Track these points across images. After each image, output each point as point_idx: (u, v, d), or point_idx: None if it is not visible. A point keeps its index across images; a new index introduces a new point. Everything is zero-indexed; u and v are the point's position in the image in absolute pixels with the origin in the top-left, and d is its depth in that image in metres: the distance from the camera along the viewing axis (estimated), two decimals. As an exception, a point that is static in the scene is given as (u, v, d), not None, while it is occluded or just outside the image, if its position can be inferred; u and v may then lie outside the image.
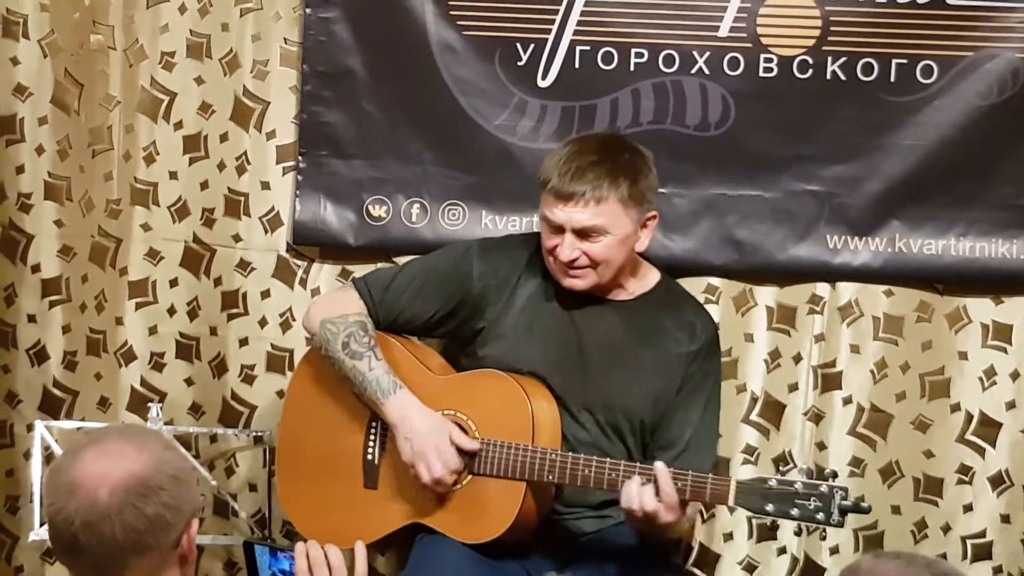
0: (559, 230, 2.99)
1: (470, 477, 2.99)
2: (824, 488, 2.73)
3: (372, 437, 3.11)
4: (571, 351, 3.07)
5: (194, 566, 2.11)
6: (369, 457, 3.11)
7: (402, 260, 3.46)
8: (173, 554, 2.05)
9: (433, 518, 3.02)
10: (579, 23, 3.48)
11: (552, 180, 2.97)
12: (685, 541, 3.04)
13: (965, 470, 3.53)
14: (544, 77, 3.50)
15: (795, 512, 2.74)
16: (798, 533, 2.85)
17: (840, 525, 2.76)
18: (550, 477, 2.92)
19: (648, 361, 3.07)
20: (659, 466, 2.79)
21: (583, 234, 2.97)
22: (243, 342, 3.64)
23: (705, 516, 3.54)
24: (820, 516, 2.73)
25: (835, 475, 2.79)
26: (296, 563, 2.33)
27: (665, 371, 3.06)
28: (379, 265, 3.56)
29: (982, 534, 3.54)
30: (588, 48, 3.49)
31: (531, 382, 3.03)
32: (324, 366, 3.14)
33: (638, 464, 2.84)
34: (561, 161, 2.99)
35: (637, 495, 2.77)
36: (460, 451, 2.99)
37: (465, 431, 3.00)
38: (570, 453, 2.95)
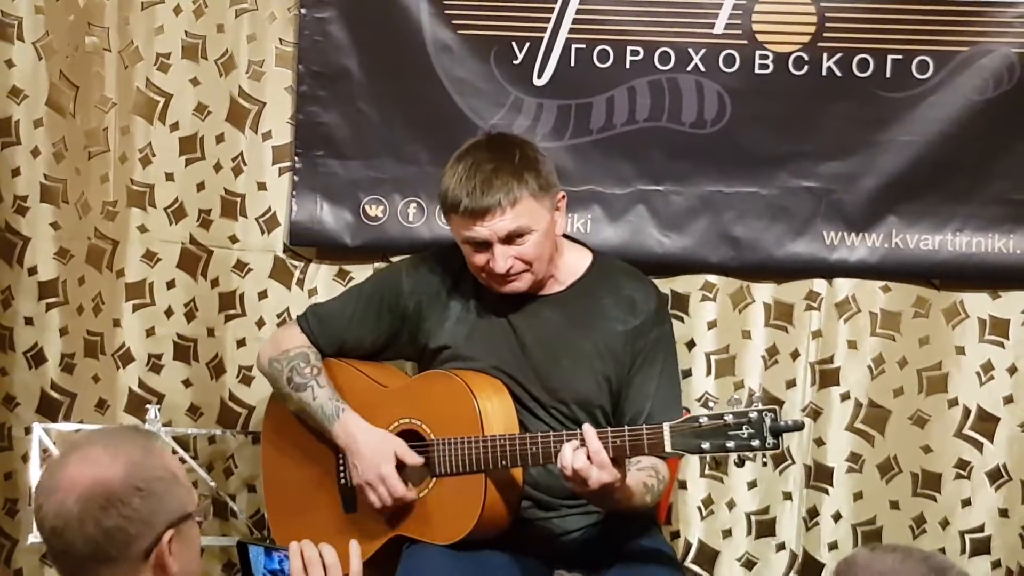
0: (484, 246, 2.97)
1: (434, 480, 2.98)
2: (753, 414, 2.68)
3: (341, 462, 3.11)
4: (514, 354, 3.05)
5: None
6: (343, 482, 3.11)
7: (398, 260, 3.46)
8: (144, 564, 2.00)
9: (410, 527, 3.01)
10: (574, 21, 3.47)
11: (462, 202, 2.93)
12: (642, 505, 2.96)
13: (963, 465, 3.53)
14: (540, 76, 3.50)
15: (731, 444, 2.69)
16: (740, 464, 2.80)
17: (776, 448, 2.70)
18: (503, 463, 2.90)
19: (591, 348, 3.04)
20: (586, 427, 2.79)
21: (509, 239, 2.95)
22: (241, 343, 3.64)
23: (704, 513, 3.55)
24: (755, 443, 2.68)
25: (762, 400, 2.72)
26: (291, 563, 2.32)
27: (611, 353, 3.04)
28: (376, 265, 3.56)
29: (980, 528, 3.54)
30: (584, 46, 3.49)
31: (477, 376, 3.02)
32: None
33: (578, 431, 2.81)
34: (462, 180, 2.95)
35: (570, 458, 2.76)
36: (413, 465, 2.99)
37: (422, 436, 3.00)
38: (516, 435, 2.93)
